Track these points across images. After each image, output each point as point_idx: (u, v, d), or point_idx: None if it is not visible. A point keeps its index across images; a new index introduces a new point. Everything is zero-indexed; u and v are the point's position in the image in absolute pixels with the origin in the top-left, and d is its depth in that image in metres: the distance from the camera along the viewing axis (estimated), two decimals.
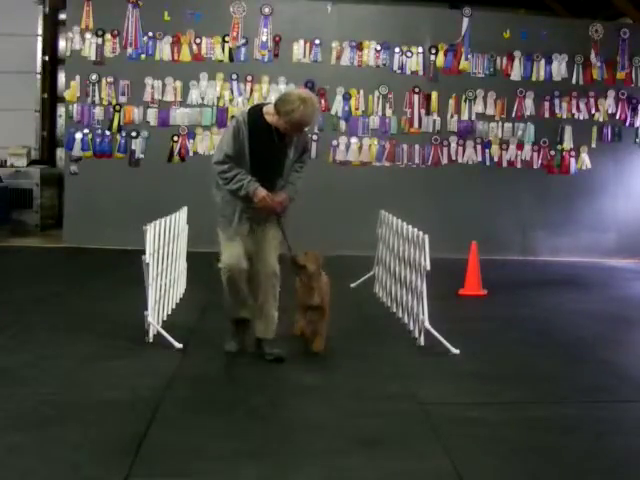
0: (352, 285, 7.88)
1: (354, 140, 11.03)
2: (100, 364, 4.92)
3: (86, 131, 10.64)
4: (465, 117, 11.18)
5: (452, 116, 11.17)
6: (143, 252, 5.35)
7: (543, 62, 11.31)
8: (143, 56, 10.71)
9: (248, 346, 5.23)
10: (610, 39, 11.35)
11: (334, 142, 11.00)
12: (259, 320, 5.14)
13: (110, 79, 10.63)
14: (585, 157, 11.43)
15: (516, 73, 11.28)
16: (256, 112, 4.97)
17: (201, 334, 5.73)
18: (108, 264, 9.28)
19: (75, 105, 10.67)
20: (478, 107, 11.19)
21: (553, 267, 10.50)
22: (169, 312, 6.28)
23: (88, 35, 10.61)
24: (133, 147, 10.73)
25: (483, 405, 4.41)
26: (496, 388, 4.74)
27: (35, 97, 12.60)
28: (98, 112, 10.66)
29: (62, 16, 11.92)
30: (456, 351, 5.46)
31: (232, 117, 5.23)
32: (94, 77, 10.60)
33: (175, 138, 10.77)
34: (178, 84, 10.74)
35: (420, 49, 11.10)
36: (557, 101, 11.33)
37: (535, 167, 11.36)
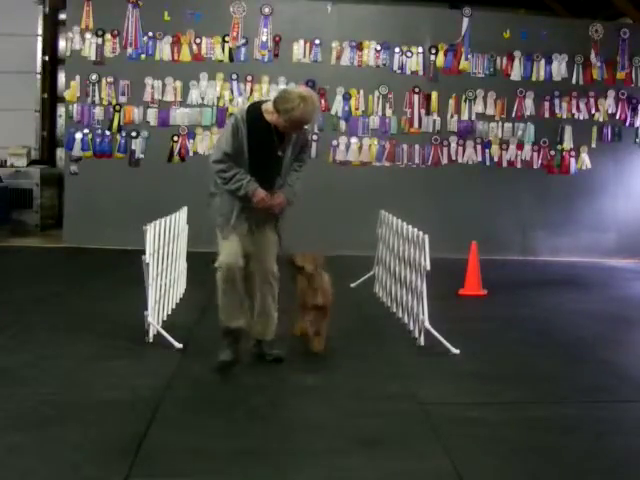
0: (352, 285, 7.88)
1: (354, 140, 11.03)
2: (100, 364, 4.92)
3: (86, 131, 10.64)
4: (465, 117, 11.18)
5: (452, 116, 11.17)
6: (143, 252, 5.35)
7: (543, 62, 11.31)
8: (143, 56, 10.71)
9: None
10: (610, 39, 11.35)
11: (334, 142, 11.00)
12: (258, 321, 5.12)
13: (110, 79, 10.63)
14: (585, 157, 11.43)
15: (516, 73, 11.28)
16: (255, 110, 4.87)
17: (201, 334, 5.73)
18: (108, 264, 9.28)
19: (75, 105, 10.67)
20: (478, 107, 11.19)
21: (553, 267, 10.50)
22: (169, 312, 6.28)
23: (88, 35, 10.61)
24: (133, 147, 10.73)
25: (483, 405, 4.41)
26: (496, 388, 4.74)
27: (35, 97, 12.61)
28: (98, 112, 10.67)
29: (62, 16, 11.92)
30: (456, 351, 5.46)
31: (230, 115, 5.11)
32: (94, 77, 10.61)
33: (175, 138, 10.77)
34: (178, 84, 10.74)
35: (420, 49, 11.10)
36: (557, 101, 11.34)
37: (535, 167, 11.36)
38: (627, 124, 11.50)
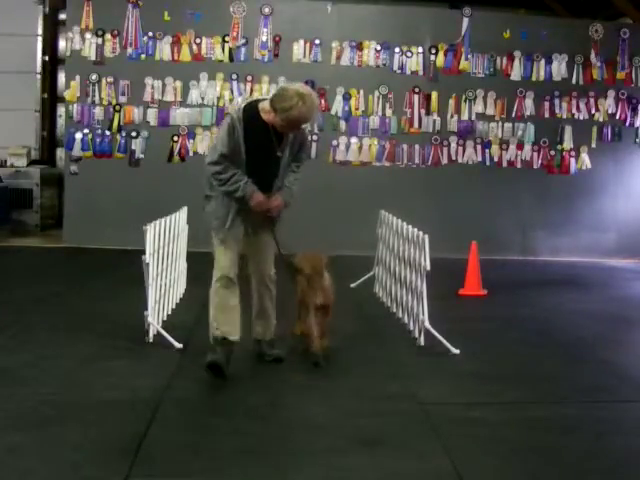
0: (352, 285, 7.88)
1: (354, 140, 11.03)
2: (100, 364, 4.92)
3: (86, 131, 10.64)
4: (465, 117, 11.18)
5: (452, 116, 11.17)
6: (143, 252, 5.35)
7: (543, 62, 11.31)
8: (143, 56, 10.71)
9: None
10: (610, 39, 11.35)
11: (334, 142, 11.00)
12: (257, 322, 5.10)
13: (110, 79, 10.63)
14: (585, 157, 11.43)
15: (516, 73, 11.28)
16: (251, 109, 4.71)
17: (201, 334, 5.71)
18: (108, 264, 9.28)
19: (75, 105, 10.67)
20: (478, 107, 11.19)
21: (553, 267, 10.50)
22: (169, 312, 6.28)
23: (88, 35, 10.61)
24: (133, 147, 10.73)
25: (483, 405, 4.41)
26: (496, 388, 4.74)
27: (35, 97, 12.60)
28: (98, 112, 10.66)
29: (62, 16, 11.92)
30: (456, 351, 5.46)
31: (226, 114, 4.91)
32: (94, 77, 10.60)
33: (175, 138, 10.77)
34: (178, 84, 10.74)
35: (420, 49, 11.09)
36: (557, 101, 11.33)
37: (535, 167, 11.35)
38: (627, 124, 11.49)
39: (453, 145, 11.19)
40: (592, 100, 11.38)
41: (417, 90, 11.07)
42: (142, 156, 10.75)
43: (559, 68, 11.33)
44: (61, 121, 12.53)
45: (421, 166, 11.15)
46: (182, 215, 6.96)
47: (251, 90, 10.79)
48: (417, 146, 11.12)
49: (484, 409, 4.33)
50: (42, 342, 5.38)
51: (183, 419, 4.02)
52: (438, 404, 4.38)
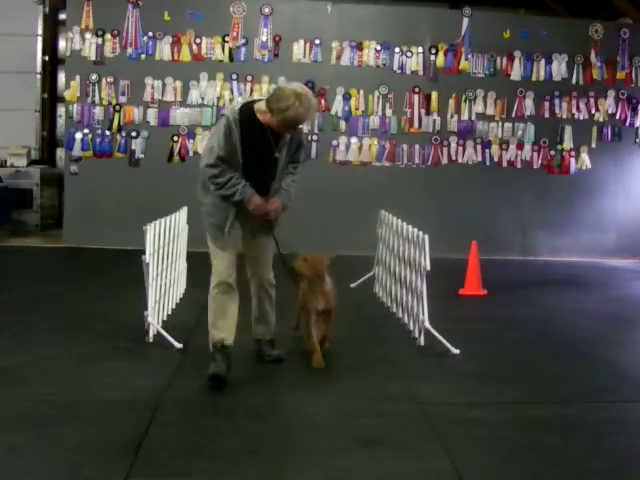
0: (352, 285, 7.88)
1: (354, 140, 11.03)
2: (100, 364, 4.92)
3: (86, 131, 10.64)
4: (465, 117, 11.18)
5: (452, 116, 11.17)
6: (143, 252, 5.35)
7: (543, 62, 11.31)
8: (143, 56, 10.71)
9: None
10: (610, 39, 11.35)
11: (334, 142, 11.00)
12: (256, 324, 5.09)
13: (110, 79, 10.63)
14: (585, 157, 11.43)
15: (516, 73, 11.28)
16: (247, 110, 4.59)
17: (201, 334, 5.71)
18: (108, 264, 9.28)
19: (75, 105, 10.67)
20: (478, 107, 11.19)
21: (553, 267, 10.50)
22: (169, 312, 6.28)
23: (88, 35, 10.61)
24: (133, 147, 10.73)
25: (483, 405, 4.41)
26: (496, 388, 4.74)
27: (35, 97, 12.60)
28: (98, 112, 10.66)
29: (62, 16, 11.92)
30: (456, 351, 5.45)
31: (221, 116, 4.76)
32: (94, 77, 10.61)
33: (175, 138, 10.78)
34: (178, 84, 10.74)
35: (420, 49, 11.09)
36: (557, 101, 11.33)
37: (535, 167, 11.35)
38: (627, 124, 11.49)
39: (453, 145, 11.19)
40: (592, 100, 11.38)
41: (417, 90, 11.07)
42: (142, 156, 10.75)
43: (559, 68, 11.33)
44: (61, 121, 12.54)
45: (421, 166, 11.15)
46: (182, 215, 6.96)
47: (251, 90, 10.80)
48: (417, 146, 11.12)
49: (484, 409, 4.32)
50: (42, 342, 5.38)
51: (183, 419, 4.02)
52: (438, 404, 4.38)
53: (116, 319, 6.08)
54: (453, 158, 11.18)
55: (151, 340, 5.45)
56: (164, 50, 10.72)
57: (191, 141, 10.79)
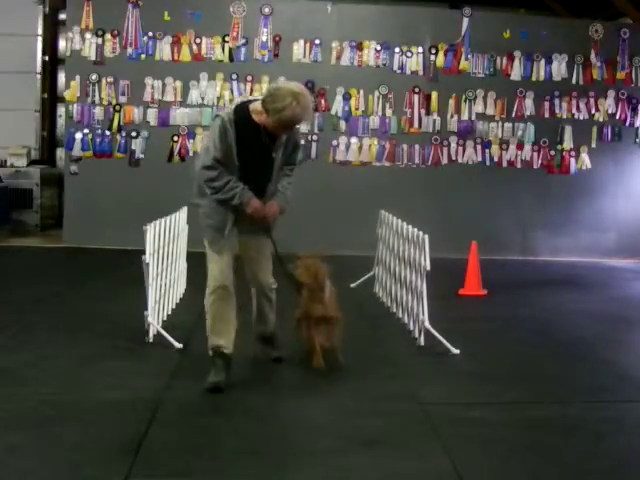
0: (352, 285, 7.88)
1: (354, 140, 11.03)
2: (100, 364, 4.92)
3: (86, 131, 10.64)
4: (465, 117, 11.18)
5: (452, 116, 11.17)
6: (143, 252, 5.35)
7: (543, 62, 11.31)
8: (143, 56, 10.71)
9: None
10: (610, 39, 11.35)
11: (334, 142, 11.00)
12: (258, 323, 5.05)
13: (110, 79, 10.63)
14: (585, 157, 11.43)
15: (516, 73, 11.28)
16: (242, 110, 4.47)
17: (201, 334, 5.70)
18: (108, 264, 9.28)
19: (75, 105, 10.67)
20: (478, 107, 11.19)
21: (553, 267, 10.50)
22: (169, 312, 6.28)
23: (88, 35, 10.62)
24: (133, 147, 10.74)
25: (483, 405, 4.41)
26: (496, 388, 4.74)
27: (35, 97, 12.61)
28: (98, 112, 10.67)
29: (62, 16, 11.92)
30: (456, 351, 5.45)
31: (216, 116, 4.65)
32: (94, 77, 10.61)
33: (175, 138, 10.78)
34: (178, 84, 10.74)
35: (420, 49, 11.10)
36: (557, 101, 11.33)
37: (535, 167, 11.36)
38: (627, 124, 11.50)
39: (453, 145, 11.19)
40: (592, 100, 11.38)
41: (417, 90, 11.07)
42: (142, 156, 10.75)
43: (559, 68, 11.33)
44: (61, 121, 12.54)
45: (421, 166, 11.15)
46: (182, 215, 6.96)
47: (251, 90, 10.79)
48: (417, 146, 11.12)
49: (484, 409, 4.32)
50: (42, 342, 5.38)
51: (183, 419, 4.02)
52: (438, 404, 4.38)
53: (116, 319, 6.08)
54: (453, 158, 11.18)
55: (151, 340, 5.45)
56: (164, 50, 10.72)
57: (191, 141, 10.79)
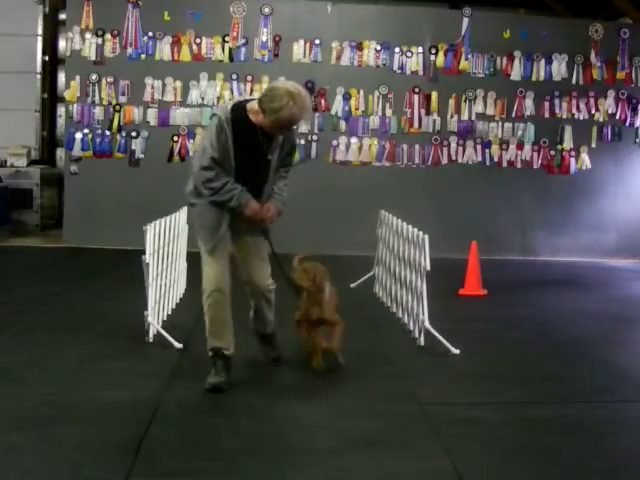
0: (352, 285, 7.87)
1: (354, 140, 11.03)
2: (100, 364, 4.92)
3: (86, 131, 10.64)
4: (465, 117, 11.18)
5: (452, 116, 11.17)
6: (143, 252, 5.35)
7: (543, 62, 11.31)
8: (143, 56, 10.71)
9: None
10: (610, 39, 11.35)
11: (334, 142, 11.00)
12: (256, 323, 5.01)
13: (110, 79, 10.63)
14: (585, 157, 11.43)
15: (516, 73, 11.28)
16: (239, 110, 4.40)
17: (201, 334, 5.69)
18: (108, 264, 9.28)
19: (75, 105, 10.67)
20: (478, 107, 11.19)
21: (553, 267, 10.50)
22: (169, 312, 6.28)
23: (88, 35, 10.62)
24: (133, 147, 10.74)
25: (483, 405, 4.41)
26: (496, 388, 4.74)
27: (35, 97, 12.61)
28: (98, 112, 10.67)
29: (62, 16, 11.92)
30: (456, 351, 5.45)
31: (213, 115, 4.59)
32: (94, 77, 10.61)
33: (175, 138, 10.78)
34: (178, 84, 10.74)
35: (420, 49, 11.09)
36: (557, 101, 11.33)
37: (535, 167, 11.36)
38: (627, 124, 11.49)
39: (453, 145, 11.19)
40: (592, 100, 11.38)
41: (417, 90, 11.07)
42: (142, 156, 10.75)
43: (559, 68, 11.33)
44: (61, 121, 12.54)
45: (421, 166, 11.15)
46: (182, 215, 6.95)
47: (251, 90, 10.79)
48: (417, 146, 11.12)
49: (484, 409, 4.32)
50: (42, 342, 5.38)
51: (183, 419, 4.02)
52: (438, 404, 4.38)
53: (116, 319, 6.08)
54: (453, 158, 11.18)
55: (151, 340, 5.45)
56: (164, 50, 10.72)
57: (191, 141, 10.78)
